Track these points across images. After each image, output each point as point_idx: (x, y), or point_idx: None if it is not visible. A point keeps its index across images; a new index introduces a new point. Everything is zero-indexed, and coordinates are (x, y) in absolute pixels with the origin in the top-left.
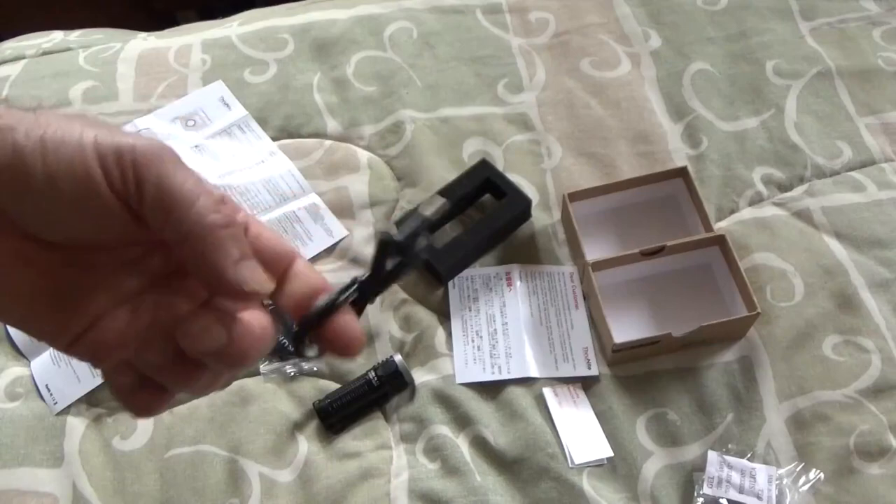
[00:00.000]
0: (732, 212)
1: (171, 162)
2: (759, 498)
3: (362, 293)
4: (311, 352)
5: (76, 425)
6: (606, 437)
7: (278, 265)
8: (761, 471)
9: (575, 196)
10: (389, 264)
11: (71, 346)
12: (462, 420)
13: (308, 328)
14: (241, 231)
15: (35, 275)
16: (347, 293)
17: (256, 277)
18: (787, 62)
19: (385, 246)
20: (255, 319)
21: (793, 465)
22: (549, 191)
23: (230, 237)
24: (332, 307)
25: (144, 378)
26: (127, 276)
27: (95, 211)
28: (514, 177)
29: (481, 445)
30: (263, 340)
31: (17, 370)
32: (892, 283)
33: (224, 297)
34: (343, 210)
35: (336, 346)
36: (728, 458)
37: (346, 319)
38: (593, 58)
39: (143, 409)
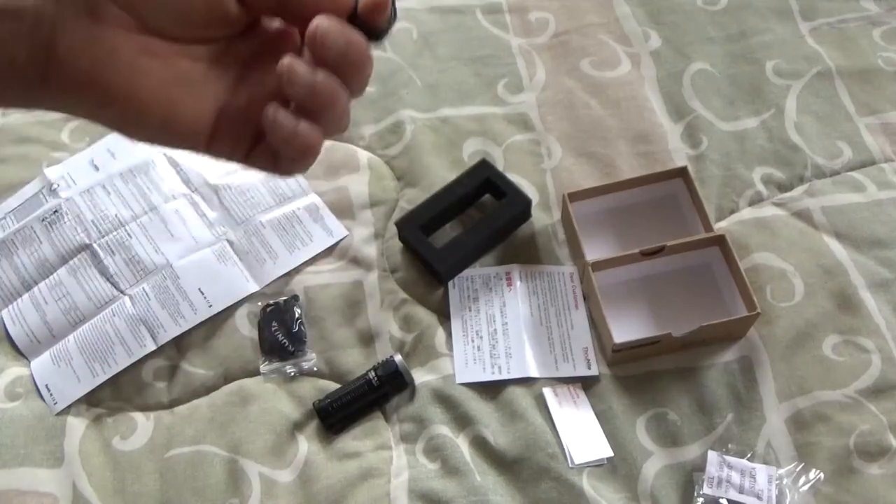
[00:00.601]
0: (732, 212)
1: None
2: (759, 498)
3: None
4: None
5: (76, 425)
6: (606, 437)
7: None
8: (761, 471)
9: (575, 196)
10: None
11: (211, 140)
12: (462, 420)
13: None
14: None
15: (161, 65)
16: None
17: None
18: (787, 62)
19: None
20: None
21: (793, 465)
22: (549, 191)
23: None
24: None
25: (299, 114)
26: (227, 63)
27: None
28: (514, 177)
29: (481, 445)
30: (367, 48)
31: (17, 370)
32: (892, 283)
33: (321, 12)
34: (343, 210)
35: (368, 9)
36: (728, 458)
37: None
38: (593, 58)
39: (310, 145)
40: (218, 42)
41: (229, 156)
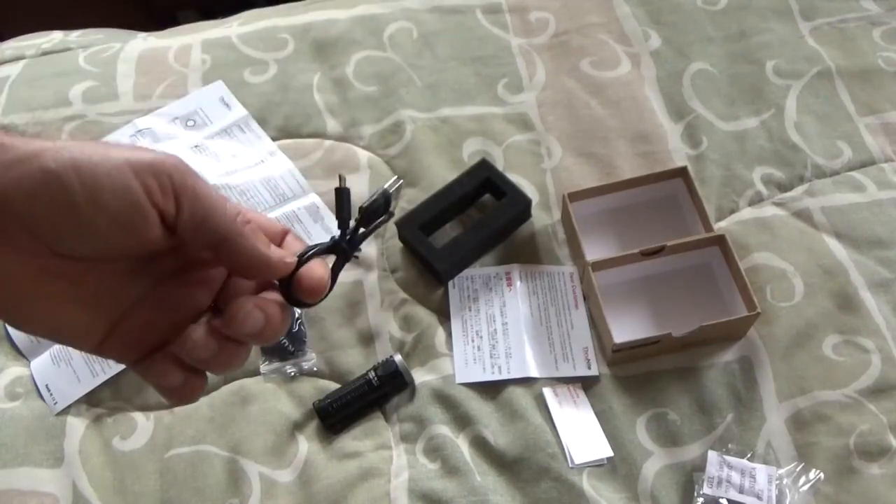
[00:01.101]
0: (732, 212)
1: (196, 175)
2: (759, 498)
3: (332, 248)
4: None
5: (76, 425)
6: (606, 437)
7: (276, 240)
8: (761, 471)
9: (575, 196)
10: (356, 223)
11: (100, 346)
12: (462, 420)
13: (288, 277)
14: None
15: (60, 286)
16: (316, 247)
17: (288, 255)
18: (787, 62)
19: (340, 194)
20: (278, 300)
21: (793, 465)
22: (549, 191)
23: (254, 231)
24: (302, 258)
25: (189, 371)
26: (142, 276)
27: (135, 224)
28: (514, 177)
29: (481, 445)
30: (288, 316)
31: (17, 370)
32: (892, 283)
33: (256, 278)
34: None
35: (302, 289)
36: (728, 458)
37: (312, 267)
38: (593, 58)
39: (189, 397)
40: (139, 257)
41: (118, 360)
